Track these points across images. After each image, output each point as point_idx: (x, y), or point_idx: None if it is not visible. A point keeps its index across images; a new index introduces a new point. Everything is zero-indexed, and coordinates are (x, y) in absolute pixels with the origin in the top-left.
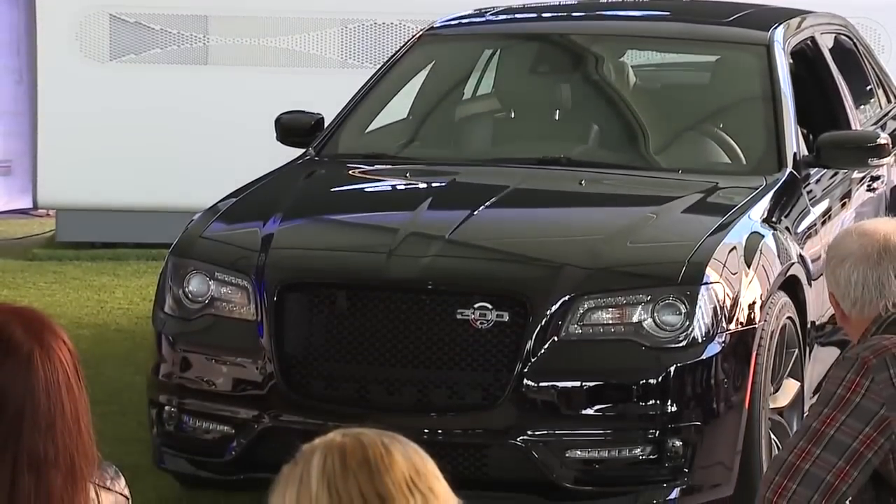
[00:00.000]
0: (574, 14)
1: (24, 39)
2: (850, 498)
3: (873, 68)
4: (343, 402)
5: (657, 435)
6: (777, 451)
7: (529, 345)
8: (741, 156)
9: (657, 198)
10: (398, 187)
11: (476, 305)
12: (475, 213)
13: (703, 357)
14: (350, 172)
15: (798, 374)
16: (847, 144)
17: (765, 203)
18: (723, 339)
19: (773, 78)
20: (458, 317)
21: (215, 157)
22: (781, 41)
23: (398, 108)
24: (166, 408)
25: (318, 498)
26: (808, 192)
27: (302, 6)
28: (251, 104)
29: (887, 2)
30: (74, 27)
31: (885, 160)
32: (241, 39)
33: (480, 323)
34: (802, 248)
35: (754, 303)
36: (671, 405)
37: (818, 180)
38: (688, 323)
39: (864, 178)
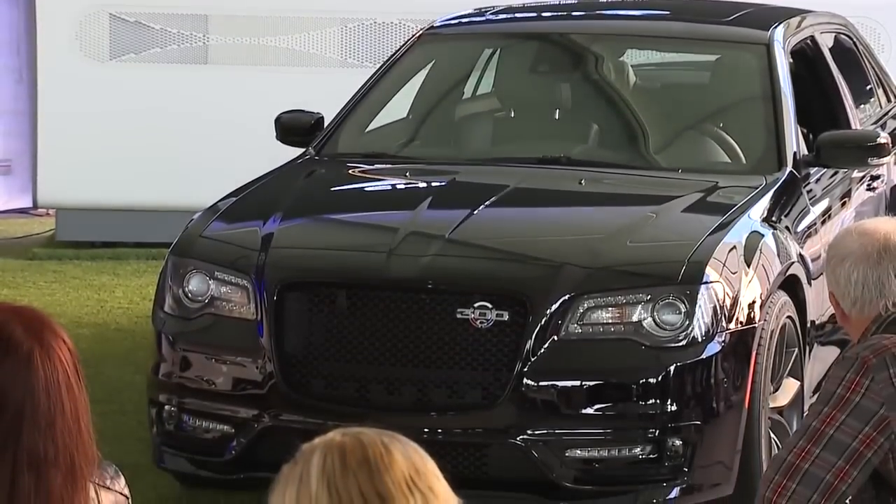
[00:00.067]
0: (574, 13)
1: (24, 39)
2: (850, 497)
3: (873, 67)
4: (343, 402)
5: (657, 434)
6: (777, 451)
7: (529, 344)
8: (741, 155)
9: (657, 197)
10: (398, 187)
11: (476, 305)
12: (475, 212)
13: (703, 356)
14: (350, 172)
15: (798, 374)
16: (847, 144)
17: (765, 202)
18: (723, 338)
19: (772, 77)
20: (458, 316)
21: (215, 156)
22: (781, 40)
23: (398, 107)
24: (166, 407)
25: (317, 497)
26: (808, 192)
27: (302, 5)
28: (251, 103)
29: (887, 1)
30: (74, 26)
31: (885, 159)
32: (241, 39)
33: (480, 322)
34: (802, 248)
35: (754, 302)
36: (671, 404)
37: (818, 180)
38: (688, 322)
39: (863, 177)
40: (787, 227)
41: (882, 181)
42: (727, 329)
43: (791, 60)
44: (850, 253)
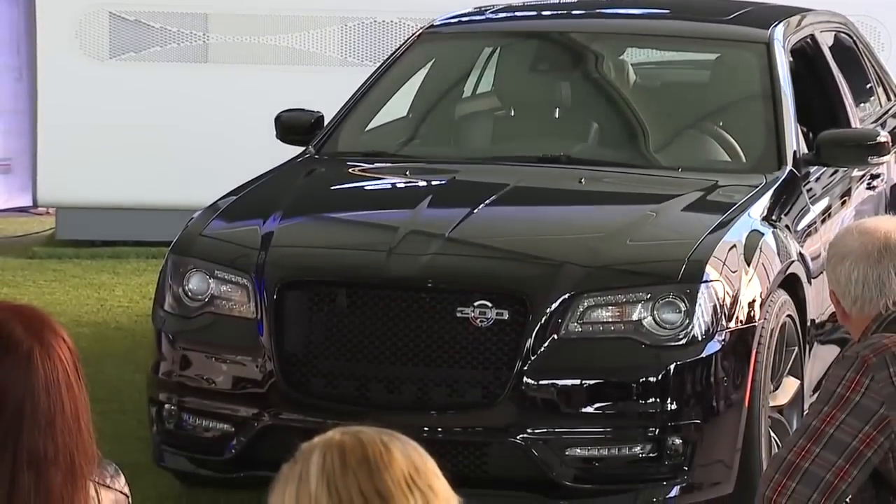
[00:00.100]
0: (574, 12)
1: (24, 37)
2: (850, 496)
3: (873, 66)
4: (343, 401)
5: (657, 433)
6: (777, 450)
7: (529, 343)
8: (741, 154)
9: (657, 196)
10: (398, 185)
11: (476, 303)
12: (475, 211)
13: (703, 355)
14: (350, 171)
15: (798, 373)
16: (847, 142)
17: (764, 201)
18: (722, 337)
19: (772, 76)
20: (458, 315)
21: (215, 155)
22: (781, 39)
23: (398, 106)
24: (166, 406)
25: (317, 496)
26: (808, 191)
27: (302, 4)
28: (251, 102)
29: (887, 0)
30: (74, 25)
31: (885, 158)
32: (241, 37)
33: (480, 321)
34: (802, 246)
35: (754, 301)
36: (671, 403)
37: (818, 178)
38: (687, 321)
39: (863, 176)
40: (787, 226)
41: (882, 180)
42: (727, 328)
43: (791, 59)
44: (850, 251)
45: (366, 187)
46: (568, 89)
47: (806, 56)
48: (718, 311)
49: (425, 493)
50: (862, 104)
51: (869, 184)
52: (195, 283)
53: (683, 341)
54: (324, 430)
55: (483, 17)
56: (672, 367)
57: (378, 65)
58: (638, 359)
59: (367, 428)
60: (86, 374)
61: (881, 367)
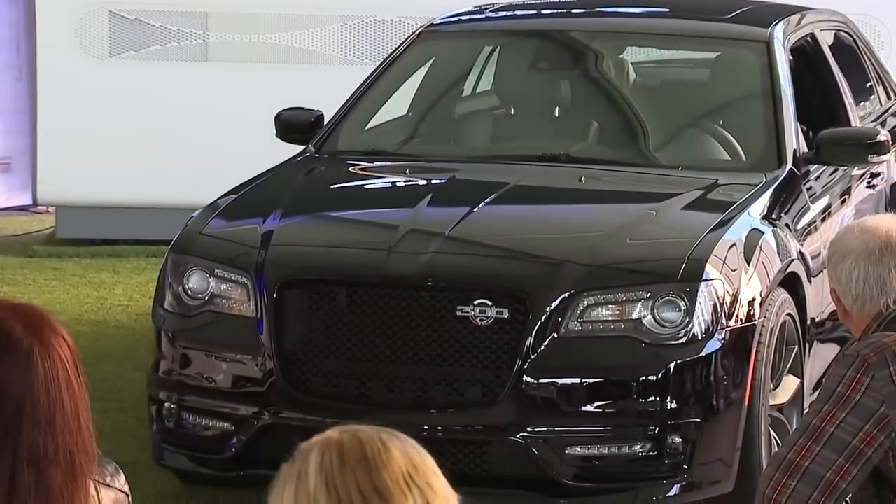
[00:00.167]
0: (574, 10)
1: (24, 36)
2: (850, 495)
3: (873, 65)
4: (343, 399)
5: (657, 431)
6: (777, 448)
7: (529, 341)
8: (741, 152)
9: (657, 194)
10: (398, 184)
11: (476, 302)
12: (475, 209)
13: (703, 354)
14: (350, 169)
15: (798, 371)
16: (847, 141)
17: (764, 200)
18: (722, 335)
19: (772, 74)
20: (458, 313)
21: (215, 153)
22: (781, 38)
23: (398, 104)
24: (166, 404)
25: (316, 495)
26: (808, 189)
27: (302, 3)
28: (251, 101)
29: None
30: (74, 24)
31: (885, 157)
32: (241, 36)
33: (480, 320)
34: (802, 245)
35: (754, 299)
36: (671, 402)
37: (818, 177)
38: (687, 320)
39: (863, 174)
40: (786, 225)
41: (882, 178)
42: (727, 326)
43: (791, 58)
44: (851, 250)
45: (366, 186)
46: (568, 88)
47: (806, 55)
48: (718, 309)
49: (424, 490)
50: (862, 103)
51: (869, 182)
52: (195, 281)
53: (683, 340)
54: (323, 428)
55: (483, 16)
56: (672, 365)
57: (378, 63)
58: (638, 357)
59: (366, 426)
60: (86, 373)
61: (881, 366)
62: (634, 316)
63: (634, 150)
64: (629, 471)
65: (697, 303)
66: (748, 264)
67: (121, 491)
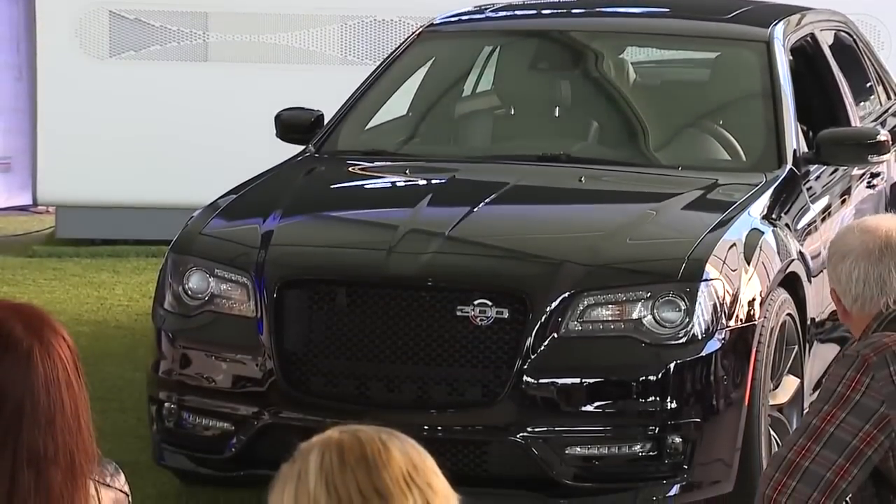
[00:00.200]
0: (574, 10)
1: (24, 36)
2: (850, 495)
3: (873, 65)
4: (343, 399)
5: (657, 431)
6: (777, 448)
7: (529, 341)
8: (741, 152)
9: (657, 194)
10: (398, 184)
11: (476, 302)
12: (475, 209)
13: (703, 354)
14: (350, 169)
15: (798, 371)
16: (847, 141)
17: (764, 200)
18: (722, 335)
19: (772, 74)
20: (458, 313)
21: (215, 153)
22: (781, 38)
23: (398, 104)
24: (166, 404)
25: (316, 495)
26: (808, 189)
27: (302, 3)
28: (251, 101)
29: None
30: (74, 24)
31: (885, 157)
32: (241, 36)
33: (480, 320)
34: (802, 245)
35: (754, 299)
36: (671, 402)
37: (818, 177)
38: (687, 320)
39: (863, 174)
40: (786, 225)
41: (882, 178)
42: (727, 326)
43: (791, 58)
44: (851, 250)
45: (366, 186)
46: (568, 88)
47: (806, 55)
48: (718, 309)
49: (424, 490)
50: (862, 103)
51: (869, 182)
52: (195, 281)
53: (683, 340)
54: (323, 428)
55: (483, 16)
56: (672, 365)
57: (378, 63)
58: (638, 357)
59: (366, 426)
60: (86, 373)
61: (882, 366)
62: (634, 316)
63: (634, 150)
64: (629, 471)
65: (697, 303)
66: (748, 264)
67: (121, 491)
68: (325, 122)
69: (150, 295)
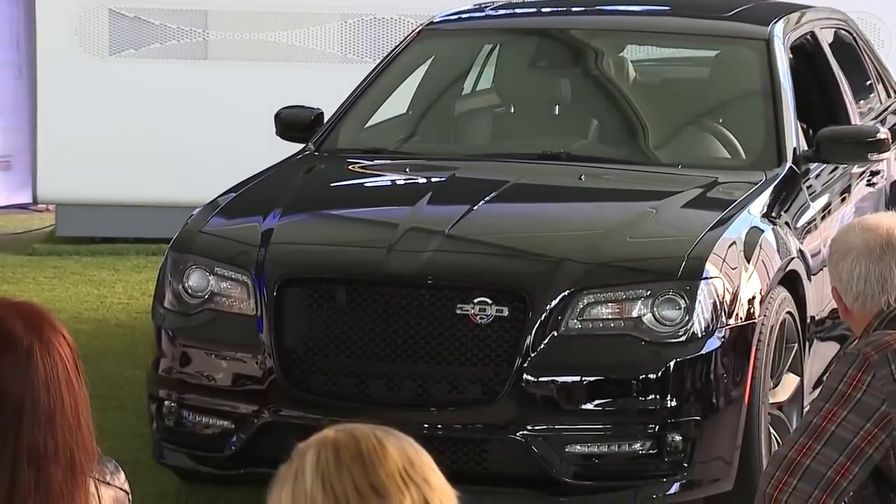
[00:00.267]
0: (574, 9)
1: (24, 34)
2: (851, 493)
3: (873, 63)
4: (343, 397)
5: (657, 430)
6: (777, 446)
7: (529, 340)
8: (741, 151)
9: (657, 193)
10: (398, 182)
11: (476, 300)
12: (475, 207)
13: (703, 352)
14: (349, 167)
15: (798, 369)
16: (847, 139)
17: (764, 198)
18: (722, 334)
19: (772, 73)
20: (458, 312)
21: (215, 152)
22: (781, 36)
23: (398, 103)
24: (166, 403)
25: (312, 494)
26: (808, 187)
27: (302, 1)
28: (251, 99)
29: None
30: (74, 22)
31: (885, 155)
32: (241, 34)
33: (480, 318)
34: (802, 243)
35: (754, 298)
36: (671, 400)
37: (818, 175)
38: (687, 318)
39: (863, 172)
40: (786, 223)
41: (882, 176)
42: (727, 325)
43: (791, 56)
44: (852, 248)
45: (365, 184)
46: (568, 86)
47: (806, 53)
48: (718, 307)
49: (421, 486)
50: (862, 101)
51: (869, 180)
52: (195, 279)
53: (683, 338)
54: (323, 426)
55: (483, 14)
56: (672, 363)
57: (378, 62)
58: (638, 355)
59: (362, 424)
60: (85, 371)
61: (883, 365)
62: (634, 314)
63: (634, 149)
64: (629, 469)
65: (697, 301)
66: (748, 262)
67: (121, 489)
68: (325, 120)
69: (150, 293)
